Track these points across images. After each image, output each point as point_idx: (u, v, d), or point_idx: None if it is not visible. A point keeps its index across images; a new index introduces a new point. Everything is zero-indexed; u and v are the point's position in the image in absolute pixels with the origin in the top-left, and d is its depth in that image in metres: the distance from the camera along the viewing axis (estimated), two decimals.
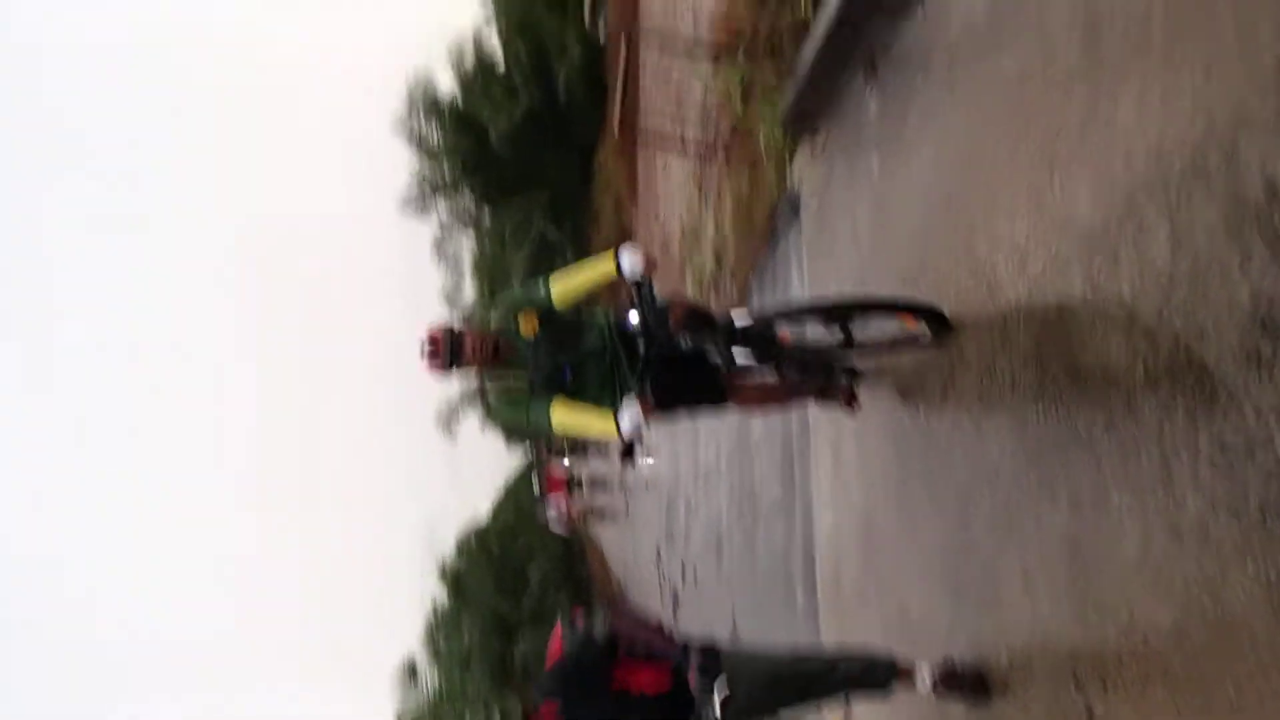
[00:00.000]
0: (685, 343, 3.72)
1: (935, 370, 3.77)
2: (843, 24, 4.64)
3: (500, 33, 23.68)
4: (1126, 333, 2.49)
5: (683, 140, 8.05)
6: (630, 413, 3.61)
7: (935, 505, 3.76)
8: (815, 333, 3.97)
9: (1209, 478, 2.11)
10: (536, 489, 25.23)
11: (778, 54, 5.56)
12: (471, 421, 33.17)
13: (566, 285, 3.85)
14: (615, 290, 3.88)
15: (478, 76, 23.38)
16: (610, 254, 3.73)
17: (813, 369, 4.30)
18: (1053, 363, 2.87)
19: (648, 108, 8.62)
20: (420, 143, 23.75)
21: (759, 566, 7.46)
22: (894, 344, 3.88)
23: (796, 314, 3.86)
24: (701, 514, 10.49)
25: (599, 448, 24.18)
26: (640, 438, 3.70)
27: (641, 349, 3.76)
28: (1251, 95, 2.08)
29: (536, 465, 32.80)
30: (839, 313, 3.77)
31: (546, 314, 3.86)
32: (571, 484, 24.07)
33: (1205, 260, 2.19)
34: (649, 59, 7.78)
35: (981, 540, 3.32)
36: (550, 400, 3.75)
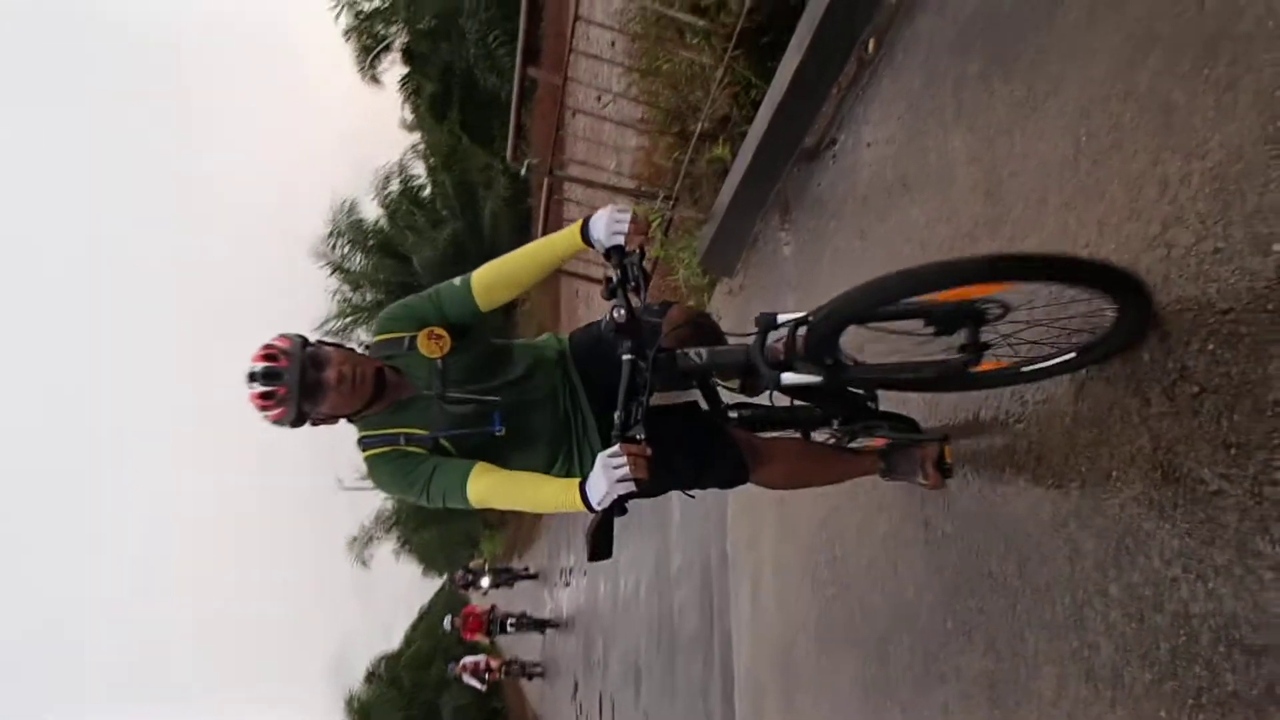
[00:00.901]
0: (697, 360, 2.46)
1: (851, 509, 3.80)
2: (758, 169, 4.83)
3: (426, 163, 24.06)
4: (1034, 474, 2.55)
5: (605, 273, 8.18)
6: (612, 465, 2.13)
7: (854, 640, 3.74)
8: (908, 341, 2.29)
9: (1120, 622, 2.14)
10: (449, 627, 19.28)
11: (697, 193, 5.74)
12: (387, 545, 32.29)
13: (499, 272, 2.54)
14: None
15: (403, 204, 23.60)
16: (575, 223, 2.45)
17: (891, 426, 2.93)
18: (964, 502, 2.92)
19: None
20: (341, 267, 23.70)
21: (678, 699, 7.26)
22: (1064, 361, 2.32)
23: (896, 292, 2.09)
24: (619, 645, 10.25)
25: (532, 558, 22.63)
26: (623, 509, 2.20)
27: (625, 363, 2.26)
28: (1143, 252, 2.21)
29: (450, 598, 31.58)
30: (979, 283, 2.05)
31: (463, 329, 2.57)
32: (494, 625, 18.23)
33: (1107, 406, 2.28)
34: (572, 193, 7.96)
35: (901, 677, 3.30)
36: (468, 465, 2.47)
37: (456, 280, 2.56)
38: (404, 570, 36.35)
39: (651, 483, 2.16)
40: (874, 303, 2.13)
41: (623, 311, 2.26)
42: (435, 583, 41.67)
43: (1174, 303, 2.09)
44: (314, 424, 2.55)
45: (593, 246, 2.41)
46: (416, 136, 25.21)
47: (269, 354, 2.42)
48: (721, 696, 5.88)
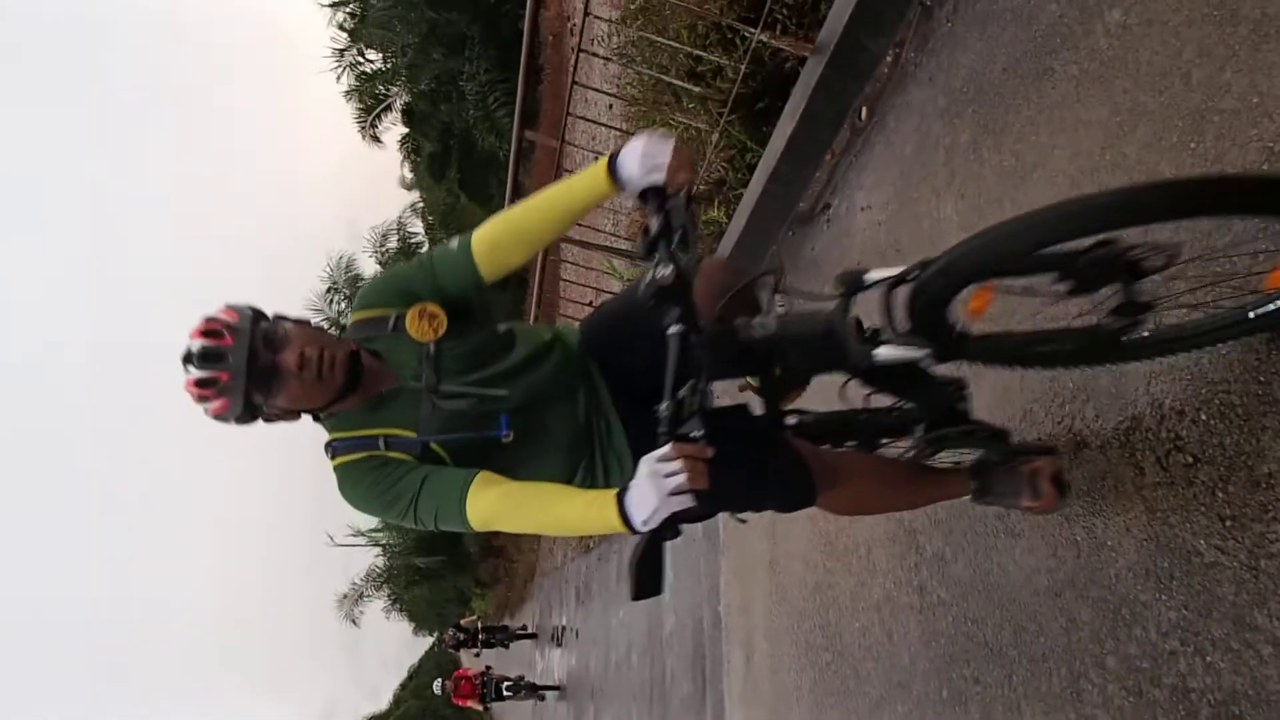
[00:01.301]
0: (763, 330, 2.00)
1: (844, 574, 3.77)
2: (753, 232, 4.86)
3: (425, 221, 24.26)
4: (1029, 541, 2.53)
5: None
6: (663, 471, 1.59)
7: (848, 709, 3.68)
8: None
9: (1117, 696, 2.11)
10: (439, 691, 17.79)
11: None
12: (377, 603, 31.85)
13: (505, 228, 2.06)
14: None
15: (399, 261, 23.74)
16: (600, 160, 1.93)
17: (988, 436, 2.30)
18: (958, 569, 2.90)
19: (566, 301, 8.82)
20: (338, 324, 23.74)
21: None
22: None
23: (1045, 236, 1.58)
24: (610, 711, 10.10)
25: (524, 618, 22.27)
26: (676, 530, 1.64)
27: (673, 338, 1.71)
28: None
29: (441, 658, 31.07)
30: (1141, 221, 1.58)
31: (464, 307, 2.07)
32: (488, 689, 16.43)
33: (1101, 474, 2.27)
34: (568, 253, 8.02)
35: None
36: (468, 474, 1.93)
37: (453, 242, 2.07)
38: (394, 628, 35.85)
39: (711, 498, 1.62)
40: (1009, 252, 1.64)
41: (669, 270, 1.70)
42: (426, 641, 41.17)
43: (1167, 372, 2.10)
44: (268, 420, 2.04)
45: (623, 188, 1.90)
46: (415, 195, 25.49)
47: (210, 329, 1.92)
48: None
